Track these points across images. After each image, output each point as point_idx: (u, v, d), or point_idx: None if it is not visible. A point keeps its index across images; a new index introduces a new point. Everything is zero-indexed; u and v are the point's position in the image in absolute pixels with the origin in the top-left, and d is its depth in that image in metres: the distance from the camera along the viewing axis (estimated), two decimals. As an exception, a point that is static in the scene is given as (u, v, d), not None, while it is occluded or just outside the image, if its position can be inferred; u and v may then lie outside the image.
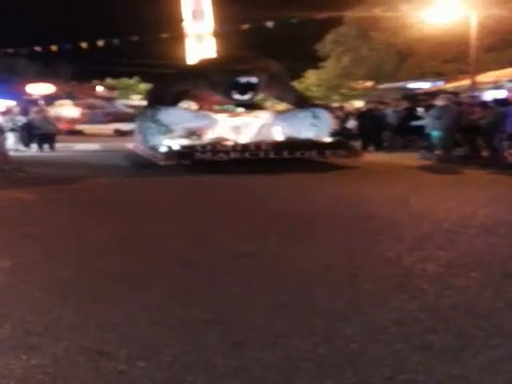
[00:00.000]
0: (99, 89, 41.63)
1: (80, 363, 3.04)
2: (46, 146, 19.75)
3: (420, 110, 17.66)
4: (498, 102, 14.69)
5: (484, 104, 15.50)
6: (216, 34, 29.99)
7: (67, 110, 34.42)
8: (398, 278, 4.41)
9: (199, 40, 29.42)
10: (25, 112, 21.62)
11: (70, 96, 40.20)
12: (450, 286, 4.22)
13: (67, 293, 4.16)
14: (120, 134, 25.73)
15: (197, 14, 29.29)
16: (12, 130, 18.64)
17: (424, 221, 6.60)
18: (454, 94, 19.65)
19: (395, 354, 3.08)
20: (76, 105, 36.37)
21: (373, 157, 15.26)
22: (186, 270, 4.74)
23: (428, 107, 16.37)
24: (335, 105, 27.83)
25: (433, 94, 21.51)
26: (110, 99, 38.23)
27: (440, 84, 29.57)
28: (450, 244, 5.49)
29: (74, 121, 32.50)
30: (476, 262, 4.82)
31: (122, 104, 37.50)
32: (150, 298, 4.02)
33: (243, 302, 3.92)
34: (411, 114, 17.77)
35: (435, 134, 14.49)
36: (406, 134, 17.79)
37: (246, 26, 27.28)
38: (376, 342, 3.23)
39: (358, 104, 29.44)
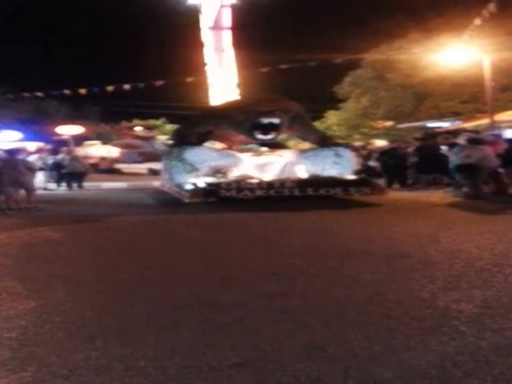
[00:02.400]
0: (138, 128, 41.95)
1: (107, 408, 2.95)
2: (74, 185, 20.10)
3: (444, 147, 17.54)
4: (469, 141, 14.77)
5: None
6: (239, 77, 30.67)
7: (103, 149, 35.80)
8: (434, 319, 4.26)
9: (222, 83, 30.07)
10: (55, 152, 22.11)
11: (99, 137, 41.17)
12: (489, 327, 4.06)
13: (93, 334, 4.08)
14: (153, 172, 26.25)
15: (220, 58, 29.96)
16: (41, 169, 19.12)
17: (456, 259, 6.43)
18: (475, 132, 19.63)
19: (436, 400, 2.93)
20: (113, 145, 37.41)
21: (398, 194, 15.13)
22: (215, 310, 4.64)
23: (451, 145, 16.28)
24: (358, 143, 27.94)
25: (453, 133, 21.53)
26: (148, 139, 38.68)
27: (458, 123, 29.74)
28: (485, 283, 5.32)
29: (112, 160, 34.14)
30: (513, 302, 4.66)
31: (160, 143, 37.99)
32: (178, 341, 3.91)
33: (275, 344, 3.79)
34: (434, 152, 17.65)
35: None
36: (430, 171, 17.66)
37: (267, 69, 27.79)
38: (415, 387, 3.08)
39: (380, 143, 29.53)
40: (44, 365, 3.52)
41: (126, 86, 28.66)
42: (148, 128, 41.95)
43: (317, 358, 3.55)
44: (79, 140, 36.59)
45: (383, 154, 19.59)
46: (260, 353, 3.65)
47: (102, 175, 26.42)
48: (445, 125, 31.53)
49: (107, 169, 31.57)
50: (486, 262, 6.26)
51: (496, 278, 5.50)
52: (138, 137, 39.15)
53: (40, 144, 29.52)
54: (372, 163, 19.95)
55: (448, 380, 3.18)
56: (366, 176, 15.40)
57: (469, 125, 27.07)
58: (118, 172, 31.84)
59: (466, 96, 33.01)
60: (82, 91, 29.09)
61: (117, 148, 36.52)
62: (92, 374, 3.37)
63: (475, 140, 14.53)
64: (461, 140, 15.24)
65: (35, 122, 40.65)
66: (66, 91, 30.04)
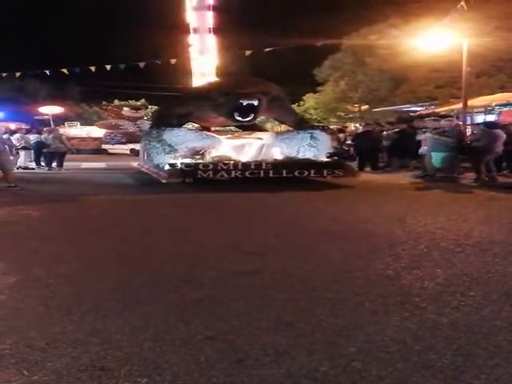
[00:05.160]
0: (126, 109, 41.22)
1: (82, 380, 3.04)
2: (54, 165, 20.01)
3: (421, 131, 17.71)
4: (486, 124, 14.89)
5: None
6: (220, 60, 30.56)
7: (85, 130, 35.60)
8: (397, 296, 4.43)
9: (205, 64, 29.90)
10: (35, 131, 21.93)
11: (79, 117, 40.69)
12: (449, 304, 4.24)
13: (70, 309, 4.18)
14: (136, 153, 26.23)
15: (203, 39, 29.75)
16: (24, 148, 19.04)
17: (421, 240, 6.64)
18: (448, 117, 19.86)
19: (396, 373, 3.08)
20: (97, 125, 37.13)
21: (369, 177, 15.36)
22: (189, 287, 4.75)
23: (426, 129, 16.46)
24: (334, 126, 28.06)
25: (425, 117, 21.73)
26: (136, 119, 38.13)
27: (432, 108, 29.95)
28: (448, 263, 5.52)
29: (99, 141, 34.65)
30: (473, 281, 4.85)
31: (147, 124, 37.53)
32: (152, 315, 4.02)
33: (245, 320, 3.93)
34: (407, 136, 17.86)
35: (437, 154, 14.50)
36: (402, 154, 17.91)
37: (248, 52, 27.73)
38: (377, 361, 3.24)
39: (355, 126, 29.73)
40: (22, 338, 3.60)
41: (108, 67, 28.37)
42: (135, 108, 41.43)
43: (284, 332, 3.69)
44: (59, 120, 36.31)
45: (357, 137, 19.81)
46: (230, 327, 3.77)
47: (81, 156, 26.36)
48: (419, 109, 31.76)
49: (94, 149, 32.10)
50: (450, 242, 6.48)
51: (458, 258, 5.72)
52: (126, 117, 38.67)
53: (20, 123, 29.37)
54: (346, 146, 20.19)
55: (408, 354, 3.33)
56: (339, 159, 15.58)
57: (442, 109, 27.29)
58: (105, 152, 32.14)
59: (442, 81, 33.17)
60: (64, 71, 28.69)
61: (100, 128, 36.32)
62: (69, 347, 3.45)
63: (488, 124, 14.66)
64: (428, 124, 15.41)
65: (15, 101, 40.12)
66: (47, 70, 29.59)
